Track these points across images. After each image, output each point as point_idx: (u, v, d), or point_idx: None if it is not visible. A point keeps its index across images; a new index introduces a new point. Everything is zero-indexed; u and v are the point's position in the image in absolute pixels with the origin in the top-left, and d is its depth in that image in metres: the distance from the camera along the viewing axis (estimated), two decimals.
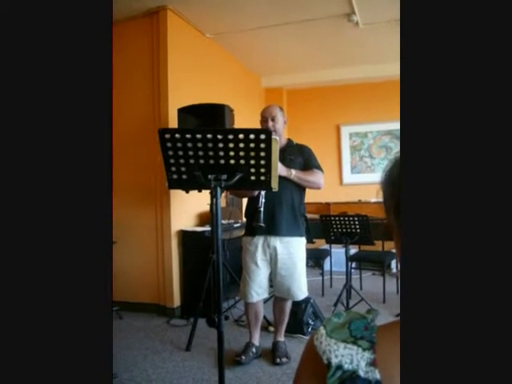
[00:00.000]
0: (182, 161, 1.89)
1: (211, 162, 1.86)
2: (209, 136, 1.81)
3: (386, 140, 6.41)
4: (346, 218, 3.91)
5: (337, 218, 3.95)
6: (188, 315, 3.93)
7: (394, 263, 5.21)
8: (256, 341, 3.05)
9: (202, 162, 1.87)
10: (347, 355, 0.60)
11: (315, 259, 5.38)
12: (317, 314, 3.53)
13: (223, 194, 4.62)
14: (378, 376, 0.58)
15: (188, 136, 1.82)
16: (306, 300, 3.38)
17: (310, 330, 3.42)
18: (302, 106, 6.66)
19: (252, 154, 1.84)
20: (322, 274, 4.84)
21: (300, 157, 2.91)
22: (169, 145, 1.86)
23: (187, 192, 3.50)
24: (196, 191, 3.48)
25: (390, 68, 5.47)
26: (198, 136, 1.82)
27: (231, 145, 1.82)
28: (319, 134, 6.52)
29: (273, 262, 2.88)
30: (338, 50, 5.32)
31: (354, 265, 5.06)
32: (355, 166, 6.58)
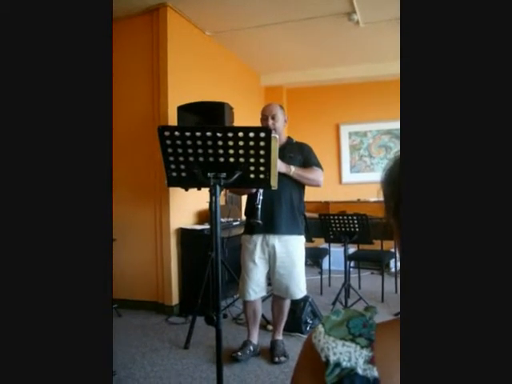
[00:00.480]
0: (181, 158, 1.89)
1: (211, 159, 1.86)
2: (208, 134, 1.81)
3: (386, 139, 6.41)
4: (345, 217, 3.91)
5: (336, 217, 3.95)
6: (186, 313, 3.93)
7: (392, 262, 5.21)
8: (254, 339, 3.05)
9: (201, 159, 1.87)
10: (345, 353, 0.60)
11: (314, 258, 5.38)
12: (315, 312, 3.53)
13: (222, 192, 4.61)
14: (376, 374, 0.58)
15: (187, 134, 1.82)
16: (305, 299, 3.39)
17: (308, 328, 3.42)
18: (301, 104, 6.66)
19: (251, 152, 1.84)
20: (321, 273, 4.85)
21: (300, 155, 2.91)
22: (168, 142, 1.86)
23: (186, 190, 3.48)
24: (195, 189, 3.48)
25: (390, 67, 5.47)
26: (198, 134, 1.82)
27: (231, 143, 1.82)
28: (319, 133, 6.52)
29: (271, 260, 2.88)
30: (338, 48, 5.32)
31: (352, 264, 5.06)
32: (354, 165, 6.58)
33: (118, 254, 3.96)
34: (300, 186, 2.93)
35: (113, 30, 1.81)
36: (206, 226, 4.08)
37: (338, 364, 0.60)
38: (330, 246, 4.84)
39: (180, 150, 1.87)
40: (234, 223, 4.37)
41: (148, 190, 4.20)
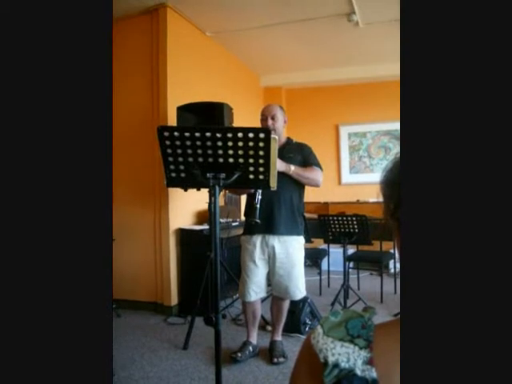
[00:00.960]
0: (180, 159, 1.89)
1: (210, 160, 1.86)
2: (208, 134, 1.81)
3: (385, 140, 6.41)
4: (345, 218, 3.91)
5: (335, 218, 3.95)
6: (185, 313, 3.93)
7: (391, 263, 5.22)
8: (253, 339, 3.05)
9: (200, 160, 1.87)
10: (344, 354, 0.60)
11: (313, 259, 5.38)
12: (314, 313, 3.53)
13: (222, 193, 4.61)
14: (374, 374, 0.58)
15: (187, 134, 1.82)
16: (304, 299, 3.38)
17: (307, 329, 3.42)
18: (300, 105, 6.66)
19: (251, 152, 1.84)
20: (320, 274, 4.85)
21: (299, 155, 2.91)
22: (167, 143, 1.86)
23: (186, 190, 3.48)
24: (194, 189, 3.48)
25: (390, 68, 5.48)
26: (197, 134, 1.81)
27: (230, 143, 1.82)
28: (318, 134, 6.52)
29: (271, 261, 2.88)
30: (337, 49, 5.32)
31: (351, 264, 5.06)
32: (354, 166, 6.58)
33: (117, 254, 3.95)
34: (300, 186, 2.93)
35: (112, 30, 1.81)
36: (205, 227, 4.08)
37: (336, 365, 0.60)
38: (329, 247, 4.84)
39: (179, 151, 1.87)
40: (233, 224, 4.37)
41: (147, 190, 4.20)
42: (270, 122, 2.87)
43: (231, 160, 1.85)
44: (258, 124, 2.96)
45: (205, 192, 3.42)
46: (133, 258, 4.24)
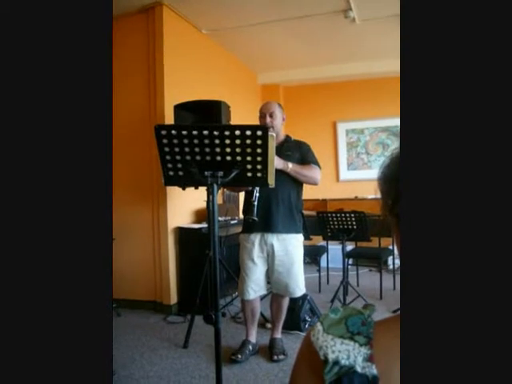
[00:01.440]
0: (178, 157, 1.88)
1: (208, 158, 1.86)
2: (205, 132, 1.80)
3: (383, 137, 6.42)
4: (343, 215, 3.91)
5: (333, 215, 3.95)
6: (185, 312, 3.93)
7: (390, 259, 5.22)
8: (253, 338, 3.05)
9: (198, 158, 1.86)
10: (344, 351, 0.60)
11: (312, 256, 5.39)
12: (314, 310, 3.53)
13: (220, 191, 4.61)
14: (375, 371, 0.57)
15: (184, 132, 1.81)
16: (303, 296, 3.39)
17: (306, 326, 3.43)
18: (298, 102, 6.65)
19: (248, 150, 1.83)
20: (319, 271, 4.85)
21: (297, 152, 2.90)
22: (165, 141, 1.85)
23: (184, 189, 3.48)
24: (192, 188, 3.47)
25: (387, 64, 5.48)
26: (195, 132, 1.81)
27: (228, 141, 1.81)
28: (315, 131, 6.52)
29: (270, 259, 2.88)
30: (334, 46, 5.31)
31: (350, 261, 5.07)
32: (352, 163, 6.58)
33: (115, 253, 3.94)
34: (298, 184, 2.92)
35: None
36: (204, 225, 4.08)
37: (336, 362, 0.60)
38: (327, 244, 4.84)
39: (177, 149, 1.86)
40: (232, 222, 4.37)
41: (145, 189, 4.19)
42: (268, 119, 2.87)
43: (229, 158, 1.85)
44: (255, 122, 2.96)
45: (203, 190, 3.41)
46: (132, 257, 4.24)
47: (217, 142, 1.81)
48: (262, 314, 3.48)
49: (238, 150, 1.83)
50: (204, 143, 1.83)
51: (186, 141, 1.83)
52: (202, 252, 3.50)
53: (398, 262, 4.88)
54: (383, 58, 5.54)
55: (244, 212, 2.92)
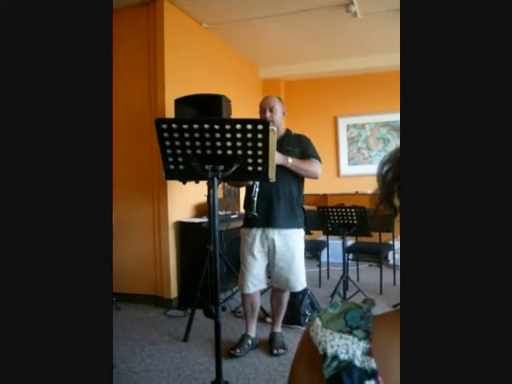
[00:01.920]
0: (178, 151, 1.88)
1: (208, 152, 1.85)
2: (206, 126, 1.80)
3: (384, 132, 6.40)
4: (343, 210, 3.91)
5: (334, 210, 3.95)
6: (185, 306, 3.94)
7: (390, 254, 5.23)
8: (252, 332, 3.06)
9: (199, 152, 1.86)
10: (343, 345, 0.60)
11: (312, 251, 5.39)
12: (314, 305, 3.54)
13: (220, 185, 4.61)
14: (374, 365, 0.58)
15: (185, 126, 1.81)
16: (303, 291, 3.39)
17: (307, 320, 3.43)
18: (299, 97, 6.64)
19: (249, 144, 1.83)
20: (319, 266, 4.86)
21: (298, 146, 2.89)
22: (166, 135, 1.85)
23: (184, 183, 3.48)
24: (193, 182, 3.47)
25: (388, 59, 5.46)
26: (195, 126, 1.80)
27: (228, 135, 1.81)
28: (316, 126, 6.50)
29: (271, 253, 2.88)
30: (336, 40, 5.29)
31: (351, 256, 5.08)
32: (352, 158, 6.57)
33: (116, 247, 3.95)
34: (299, 178, 2.92)
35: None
36: (205, 219, 4.08)
37: (335, 357, 0.60)
38: (328, 239, 4.85)
39: (177, 143, 1.86)
40: (232, 216, 4.37)
41: (146, 183, 4.19)
42: (268, 114, 2.86)
43: (230, 152, 1.84)
44: (256, 116, 2.95)
45: (203, 184, 3.41)
46: (132, 252, 4.25)
47: (217, 135, 1.81)
48: (262, 309, 3.49)
49: (238, 143, 1.83)
50: (205, 137, 1.82)
51: (186, 134, 1.83)
52: (203, 246, 3.50)
53: (398, 257, 4.89)
54: (384, 53, 5.52)
55: (245, 207, 2.92)
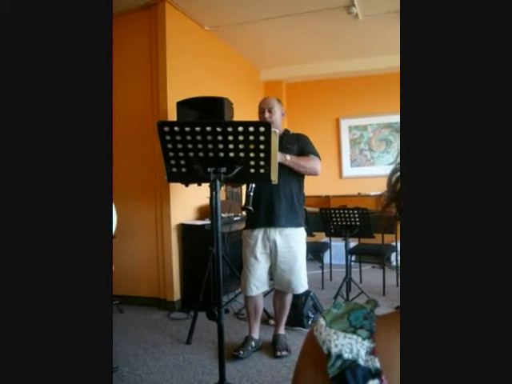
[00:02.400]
0: (181, 154, 1.88)
1: (210, 154, 1.86)
2: (208, 129, 1.80)
3: (386, 133, 6.40)
4: (346, 211, 3.91)
5: (336, 211, 3.95)
6: (188, 308, 3.94)
7: (393, 256, 5.22)
8: (255, 334, 3.06)
9: (201, 154, 1.86)
10: (347, 344, 0.60)
11: (315, 252, 5.38)
12: (317, 306, 3.53)
13: (223, 188, 4.61)
14: (378, 364, 0.58)
15: (187, 129, 1.82)
16: (306, 293, 3.39)
17: (310, 322, 3.43)
18: (301, 99, 6.64)
19: (251, 146, 1.83)
20: (322, 267, 4.85)
21: (296, 145, 2.89)
22: (168, 138, 1.85)
23: (187, 185, 3.49)
24: (195, 184, 3.47)
25: (390, 60, 5.45)
26: (197, 129, 1.81)
27: (230, 137, 1.81)
28: (319, 128, 6.50)
29: (273, 255, 2.88)
30: (337, 42, 5.30)
31: (353, 258, 5.07)
32: (355, 160, 6.57)
33: (119, 250, 3.96)
34: (299, 176, 2.91)
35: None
36: (207, 222, 4.09)
37: (339, 356, 0.60)
38: (330, 240, 4.84)
39: (180, 146, 1.86)
40: (235, 218, 4.37)
41: (148, 185, 4.20)
42: (267, 114, 2.86)
43: (232, 154, 1.85)
44: (258, 118, 2.95)
45: (206, 187, 3.42)
46: (135, 254, 4.25)
47: (220, 138, 1.81)
48: (265, 311, 3.48)
49: (240, 146, 1.83)
50: (207, 139, 1.83)
51: (188, 137, 1.83)
52: (205, 248, 3.50)
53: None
54: (386, 54, 5.52)
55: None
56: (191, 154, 1.87)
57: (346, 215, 3.89)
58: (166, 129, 1.83)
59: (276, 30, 4.81)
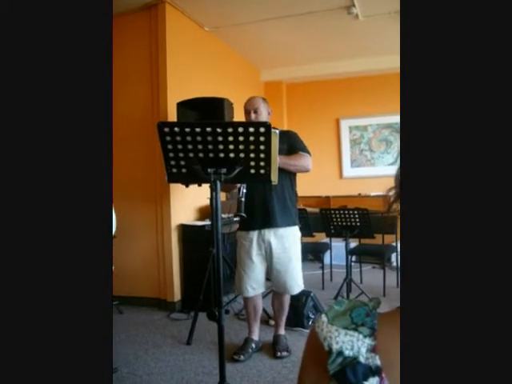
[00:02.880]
0: (181, 154, 1.88)
1: (211, 155, 1.86)
2: (208, 129, 1.80)
3: (386, 133, 6.40)
4: (346, 212, 3.91)
5: (337, 212, 3.95)
6: (188, 309, 3.94)
7: (394, 256, 5.22)
8: (255, 335, 3.05)
9: (201, 155, 1.86)
10: (348, 341, 0.60)
11: (315, 253, 5.38)
12: (317, 307, 3.53)
13: None
14: (378, 362, 0.58)
15: (187, 130, 1.82)
16: (307, 293, 3.39)
17: (310, 323, 3.43)
18: (301, 99, 6.64)
19: (251, 147, 1.83)
20: (322, 268, 4.85)
21: (285, 143, 2.83)
22: (168, 138, 1.85)
23: (187, 186, 3.49)
24: (196, 185, 3.48)
25: (390, 60, 5.45)
26: (198, 129, 1.81)
27: (230, 138, 1.81)
28: (319, 128, 6.51)
29: (268, 256, 2.86)
30: (337, 42, 5.30)
31: (354, 258, 5.07)
32: (355, 160, 6.57)
33: (119, 251, 3.96)
34: (291, 175, 2.89)
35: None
36: (207, 222, 4.09)
37: (340, 352, 0.60)
38: (331, 241, 4.84)
39: (180, 146, 1.86)
40: (235, 219, 4.36)
41: (148, 186, 4.20)
42: (252, 115, 2.83)
43: (232, 155, 1.85)
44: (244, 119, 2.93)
45: (206, 187, 3.42)
46: (135, 255, 4.25)
47: (220, 139, 1.81)
48: (265, 311, 3.48)
49: (241, 146, 1.83)
50: (207, 140, 1.83)
51: (188, 138, 1.83)
52: (206, 249, 3.50)
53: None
54: (386, 55, 5.52)
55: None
56: (191, 155, 1.87)
57: (347, 216, 3.89)
58: (166, 129, 1.83)
59: (276, 30, 4.82)
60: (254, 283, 2.90)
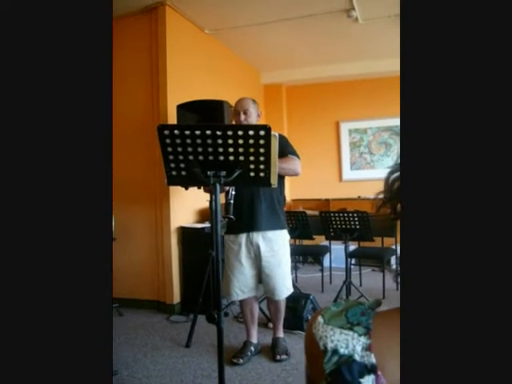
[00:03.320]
0: (180, 157, 1.88)
1: (210, 158, 1.86)
2: (208, 132, 1.80)
3: (386, 136, 6.40)
4: (346, 215, 3.91)
5: (336, 215, 3.95)
6: (188, 312, 3.93)
7: (393, 259, 5.22)
8: (254, 338, 3.04)
9: (201, 158, 1.86)
10: (343, 340, 0.61)
11: (315, 256, 5.38)
12: (316, 310, 3.53)
13: None
14: (373, 360, 0.58)
15: (187, 132, 1.82)
16: (306, 296, 3.39)
17: None
18: (301, 102, 6.65)
19: (251, 150, 1.83)
20: (322, 271, 4.85)
21: None
22: (168, 141, 1.85)
23: (186, 188, 3.48)
24: (195, 188, 3.47)
25: (390, 64, 5.46)
26: (197, 132, 1.81)
27: (230, 141, 1.81)
28: (318, 131, 6.52)
29: (257, 260, 2.84)
30: (337, 45, 5.31)
31: (353, 261, 5.07)
32: (355, 163, 6.57)
33: (118, 253, 3.96)
34: (280, 178, 2.86)
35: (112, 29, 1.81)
36: (207, 225, 4.09)
37: (335, 351, 0.61)
38: (330, 244, 4.84)
39: (179, 149, 1.86)
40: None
41: (148, 188, 4.20)
42: (242, 117, 2.81)
43: (232, 158, 1.85)
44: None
45: None
46: (134, 257, 4.25)
47: (219, 141, 1.81)
48: (263, 314, 3.47)
49: (240, 149, 1.83)
50: (207, 143, 1.83)
51: (188, 141, 1.83)
52: (205, 251, 3.50)
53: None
54: (386, 58, 5.53)
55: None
56: (191, 158, 1.87)
57: (346, 218, 3.89)
58: (166, 132, 1.83)
59: (276, 33, 4.83)
60: (244, 286, 2.87)
